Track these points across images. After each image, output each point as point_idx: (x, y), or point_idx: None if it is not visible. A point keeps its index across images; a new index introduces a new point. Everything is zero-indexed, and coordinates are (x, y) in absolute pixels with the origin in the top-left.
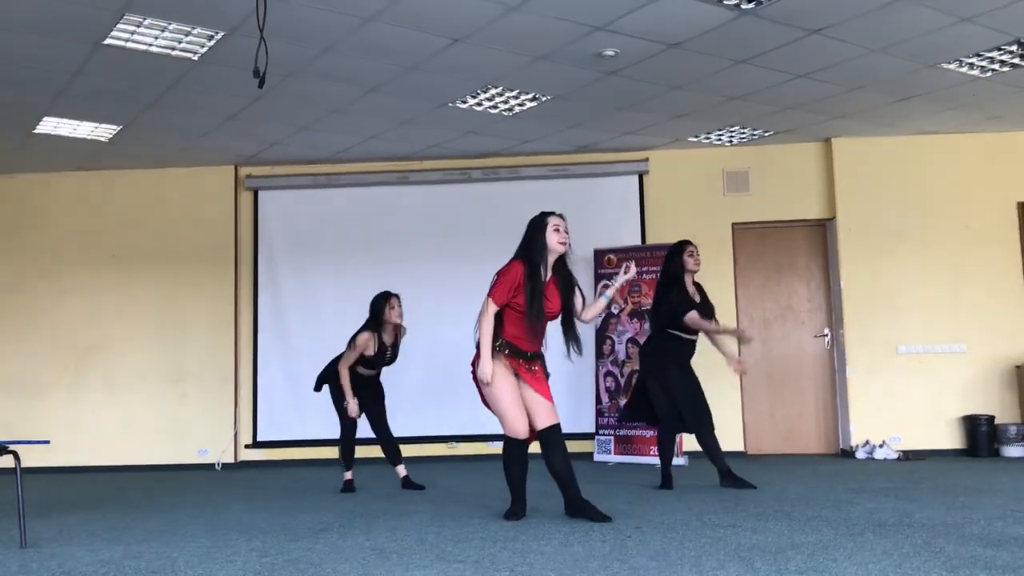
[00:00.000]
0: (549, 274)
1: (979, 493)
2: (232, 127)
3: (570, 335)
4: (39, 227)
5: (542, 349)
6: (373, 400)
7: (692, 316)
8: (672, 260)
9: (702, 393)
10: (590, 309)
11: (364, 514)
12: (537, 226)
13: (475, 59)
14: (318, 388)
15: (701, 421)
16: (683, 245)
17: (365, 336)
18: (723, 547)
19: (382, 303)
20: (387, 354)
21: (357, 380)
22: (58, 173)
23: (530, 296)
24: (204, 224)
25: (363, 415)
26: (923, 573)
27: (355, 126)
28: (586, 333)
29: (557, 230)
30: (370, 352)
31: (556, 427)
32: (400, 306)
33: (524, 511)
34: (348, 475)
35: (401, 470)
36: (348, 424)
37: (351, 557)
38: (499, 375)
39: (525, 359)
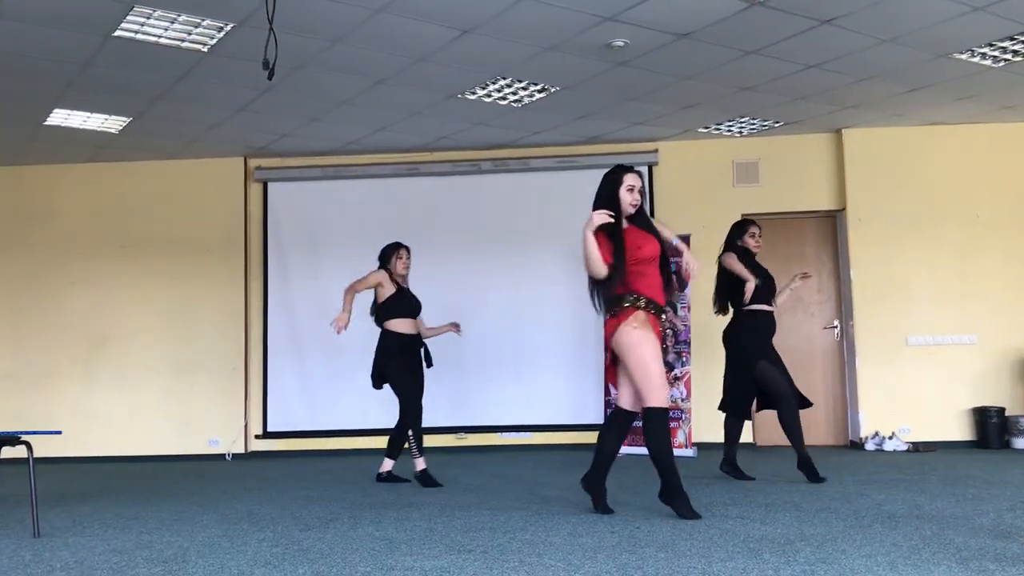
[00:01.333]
0: (625, 224)
1: (989, 485)
2: (242, 119)
3: (665, 272)
4: (50, 218)
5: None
6: (419, 369)
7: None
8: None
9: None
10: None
11: (374, 505)
12: (612, 182)
13: (484, 50)
14: (378, 386)
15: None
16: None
17: (376, 271)
18: (732, 538)
19: (391, 250)
20: (413, 298)
21: (399, 342)
22: (68, 165)
23: (618, 247)
24: (214, 216)
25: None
26: (933, 565)
27: (364, 118)
28: (593, 323)
29: (631, 190)
30: (389, 290)
31: (663, 411)
32: (408, 259)
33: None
34: (419, 462)
35: (423, 462)
36: (410, 405)
37: (361, 547)
38: (645, 335)
39: (657, 313)
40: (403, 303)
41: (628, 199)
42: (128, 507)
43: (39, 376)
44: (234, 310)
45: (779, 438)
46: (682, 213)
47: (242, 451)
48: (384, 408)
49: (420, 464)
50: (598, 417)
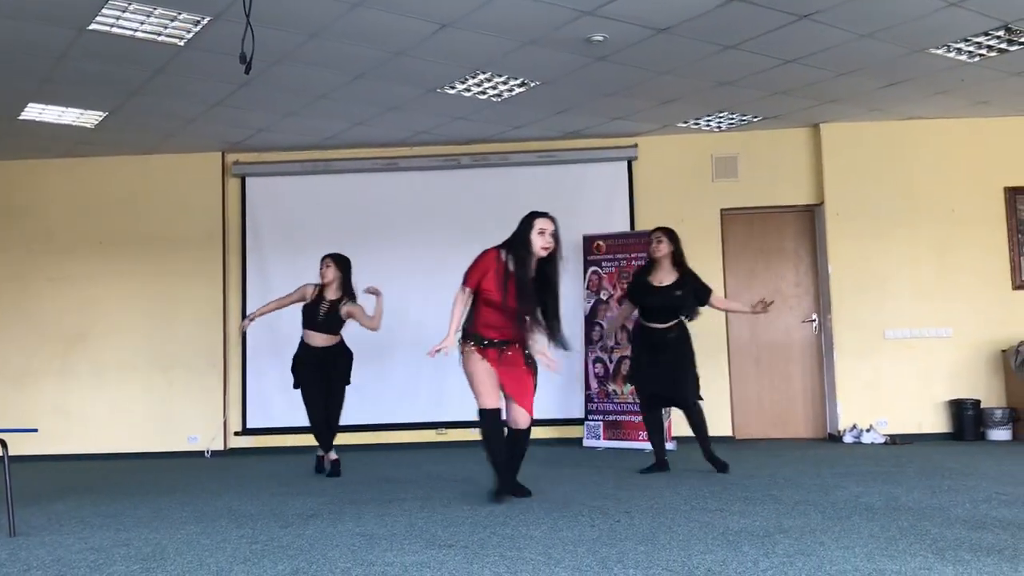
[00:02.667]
0: (529, 271)
1: (965, 476)
2: (219, 113)
3: (550, 334)
4: (25, 214)
5: (525, 338)
6: (319, 377)
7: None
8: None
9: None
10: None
11: (354, 501)
12: (525, 224)
13: (463, 44)
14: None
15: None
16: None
17: (309, 284)
18: (711, 531)
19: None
20: (320, 309)
21: (304, 352)
22: (44, 160)
23: (504, 284)
24: (192, 211)
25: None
26: (909, 556)
27: (343, 112)
28: (576, 318)
29: (542, 233)
30: (308, 299)
31: (523, 432)
32: (328, 268)
33: (509, 490)
34: (321, 453)
35: (324, 453)
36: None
37: (341, 543)
38: (473, 358)
39: (495, 347)
40: (309, 311)
41: (539, 243)
42: (106, 505)
43: (16, 374)
44: (213, 306)
45: (758, 431)
46: (661, 208)
47: (221, 448)
48: (363, 405)
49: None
50: (580, 412)
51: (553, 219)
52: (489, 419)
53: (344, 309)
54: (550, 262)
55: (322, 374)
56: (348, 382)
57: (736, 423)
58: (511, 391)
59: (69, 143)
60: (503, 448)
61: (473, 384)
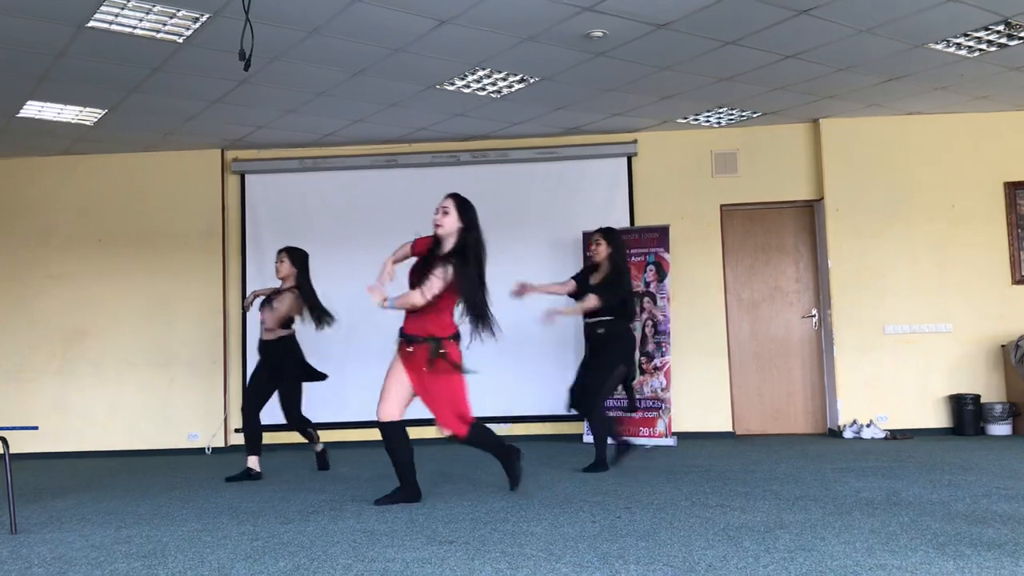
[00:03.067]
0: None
1: (965, 471)
2: (218, 111)
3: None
4: (25, 212)
5: (423, 332)
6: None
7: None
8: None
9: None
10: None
11: (355, 497)
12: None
13: (462, 41)
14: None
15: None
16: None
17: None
18: (712, 527)
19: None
20: (269, 301)
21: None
22: (43, 158)
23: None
24: (191, 208)
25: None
26: (910, 551)
27: (342, 109)
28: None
29: (436, 212)
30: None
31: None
32: (280, 263)
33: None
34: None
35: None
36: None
37: (342, 539)
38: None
39: (403, 340)
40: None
41: (433, 220)
42: (106, 502)
43: (15, 371)
44: (212, 303)
45: (758, 427)
46: (661, 203)
47: (222, 445)
48: (362, 401)
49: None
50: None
51: (454, 195)
52: (390, 428)
53: (286, 304)
54: (456, 240)
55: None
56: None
57: (736, 419)
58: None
59: (68, 140)
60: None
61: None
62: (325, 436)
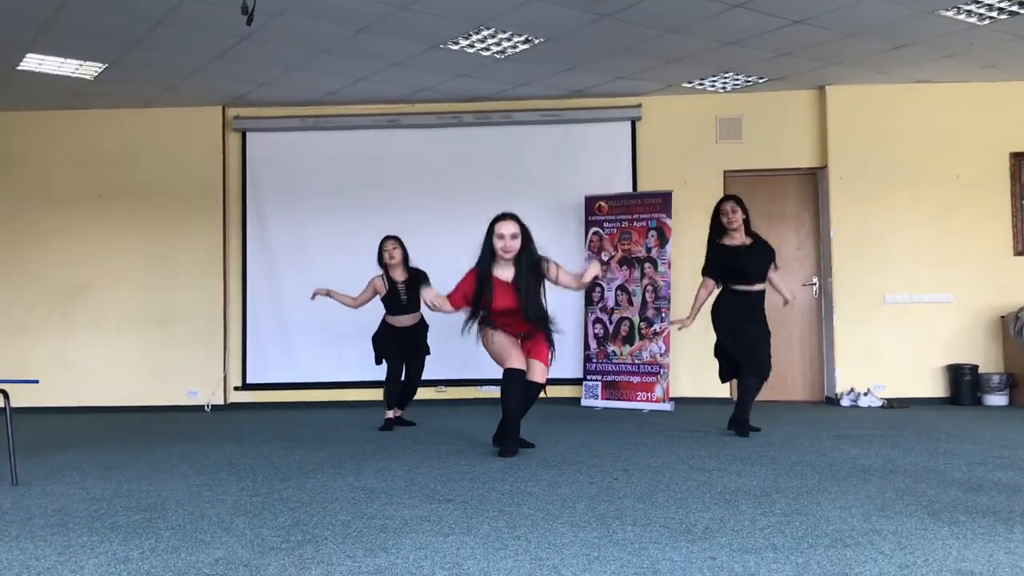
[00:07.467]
0: (508, 273)
1: (961, 440)
2: (220, 67)
3: (538, 327)
4: (24, 166)
5: (540, 321)
6: (402, 352)
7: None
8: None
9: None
10: (569, 279)
11: (354, 455)
12: (487, 232)
13: None
14: (379, 361)
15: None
16: (718, 205)
17: (376, 277)
18: (709, 490)
19: (379, 247)
20: (400, 294)
21: (390, 332)
22: (43, 112)
23: (489, 293)
24: (192, 165)
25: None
26: (905, 517)
27: (345, 67)
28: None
29: (501, 237)
30: (382, 291)
31: (536, 385)
32: (395, 248)
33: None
34: (389, 413)
35: (391, 413)
36: (388, 369)
37: (341, 496)
38: (489, 334)
39: (517, 336)
40: (390, 300)
41: (498, 245)
42: (106, 456)
43: (15, 325)
44: (212, 260)
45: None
46: (664, 169)
47: (221, 403)
48: (361, 361)
49: (388, 414)
50: (576, 371)
51: (513, 217)
52: (512, 378)
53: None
54: (525, 255)
55: (404, 348)
56: (428, 352)
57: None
58: (529, 350)
59: (68, 94)
60: (521, 408)
61: (496, 354)
62: (324, 395)
